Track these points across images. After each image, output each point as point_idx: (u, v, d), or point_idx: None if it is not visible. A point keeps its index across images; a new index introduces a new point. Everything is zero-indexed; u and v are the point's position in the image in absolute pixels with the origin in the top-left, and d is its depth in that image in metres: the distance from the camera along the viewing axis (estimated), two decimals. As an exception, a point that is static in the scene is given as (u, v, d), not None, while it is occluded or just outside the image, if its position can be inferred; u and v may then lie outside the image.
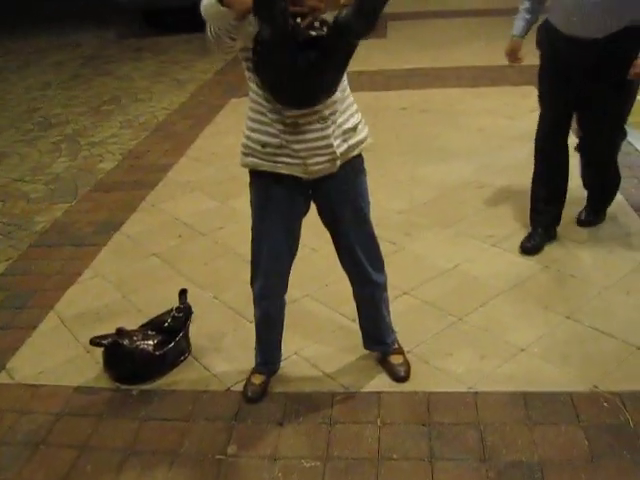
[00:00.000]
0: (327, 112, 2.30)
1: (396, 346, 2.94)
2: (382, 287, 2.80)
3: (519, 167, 4.94)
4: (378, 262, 2.73)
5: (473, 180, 4.79)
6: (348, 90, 2.41)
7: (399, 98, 6.70)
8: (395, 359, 2.91)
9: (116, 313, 3.54)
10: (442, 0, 13.19)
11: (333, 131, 2.34)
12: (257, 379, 2.86)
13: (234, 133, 6.30)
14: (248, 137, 2.41)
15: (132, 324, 3.28)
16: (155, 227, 4.49)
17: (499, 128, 5.85)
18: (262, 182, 2.47)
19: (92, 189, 5.27)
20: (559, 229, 3.93)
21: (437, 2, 13.01)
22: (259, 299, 2.72)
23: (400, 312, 3.20)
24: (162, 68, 9.56)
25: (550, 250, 3.81)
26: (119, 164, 5.79)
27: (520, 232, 3.99)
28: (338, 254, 2.69)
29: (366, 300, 2.81)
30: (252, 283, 2.70)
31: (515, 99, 6.64)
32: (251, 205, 2.53)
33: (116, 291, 3.75)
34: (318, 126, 2.30)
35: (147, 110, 7.48)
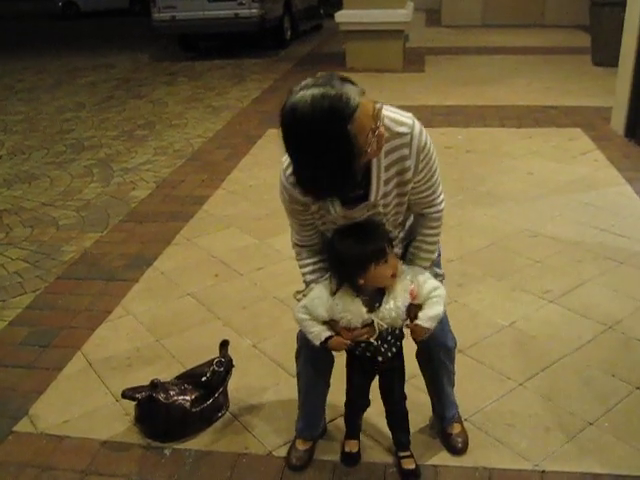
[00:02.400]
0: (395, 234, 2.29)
1: (457, 414, 2.69)
2: (451, 355, 2.57)
3: (572, 215, 4.72)
4: (450, 332, 2.55)
5: (525, 228, 4.54)
6: None
7: (442, 136, 6.48)
8: (452, 429, 2.65)
9: (148, 359, 3.32)
10: (480, 37, 13.03)
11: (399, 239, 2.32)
12: (302, 445, 2.62)
13: (272, 166, 6.18)
14: None
15: (165, 372, 3.08)
16: (190, 264, 4.28)
17: (548, 172, 5.61)
18: None
19: (124, 219, 5.09)
20: (625, 282, 3.69)
21: (476, 38, 12.87)
22: (305, 362, 2.51)
23: (456, 373, 2.95)
24: (196, 94, 9.45)
25: (611, 308, 3.55)
26: (153, 193, 5.61)
27: (578, 288, 3.75)
28: None
29: (433, 367, 2.57)
30: (298, 340, 2.50)
31: (562, 141, 6.42)
32: None
33: (148, 333, 3.53)
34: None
35: (182, 137, 7.33)
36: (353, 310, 2.14)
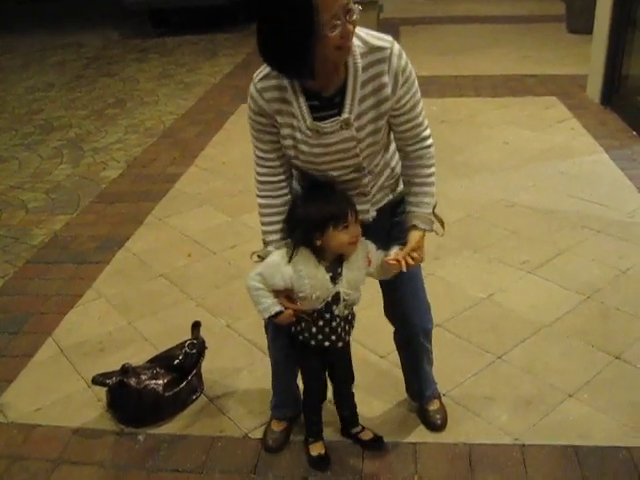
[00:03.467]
0: (369, 187, 2.15)
1: (435, 392, 2.64)
2: (429, 336, 2.51)
3: (548, 184, 4.68)
4: (429, 313, 2.47)
5: (501, 198, 4.50)
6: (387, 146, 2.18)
7: (417, 107, 6.37)
8: (430, 405, 2.61)
9: (121, 342, 3.24)
10: (457, 6, 12.88)
11: (374, 193, 2.18)
12: (278, 426, 2.57)
13: (245, 141, 5.97)
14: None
15: (138, 355, 3.01)
16: (162, 244, 4.19)
17: (523, 141, 5.56)
18: None
19: (95, 200, 4.97)
20: (603, 251, 3.65)
21: (451, 7, 12.71)
22: (274, 338, 2.45)
23: (433, 348, 2.90)
24: (168, 70, 9.27)
25: (589, 278, 3.52)
26: (124, 172, 5.49)
27: (555, 258, 3.71)
28: (384, 295, 2.44)
29: (411, 348, 2.51)
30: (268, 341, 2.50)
31: (538, 110, 6.37)
32: None
33: (120, 316, 3.45)
34: (361, 198, 2.16)
35: (153, 114, 7.18)
36: (318, 276, 2.06)
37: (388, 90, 1.93)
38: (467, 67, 8.13)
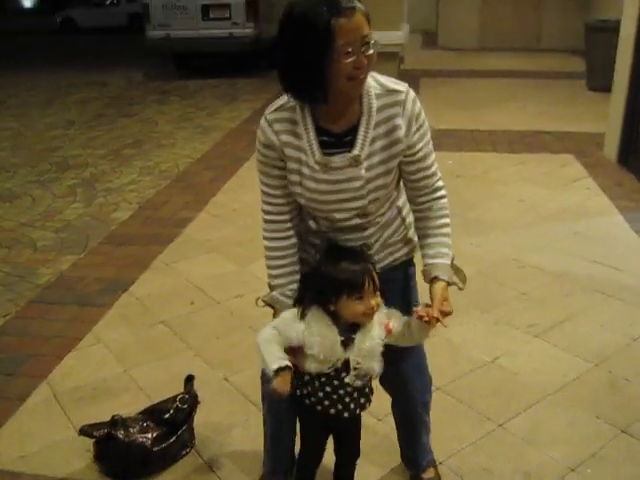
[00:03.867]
0: (373, 240, 2.08)
1: (431, 461, 2.55)
2: (427, 408, 2.44)
3: (562, 245, 4.61)
4: (430, 385, 2.41)
5: (513, 257, 4.43)
6: (396, 199, 2.14)
7: (432, 160, 6.36)
8: (426, 474, 2.51)
9: (115, 390, 3.18)
10: (476, 59, 12.99)
11: (376, 250, 2.11)
12: (269, 489, 2.48)
13: (257, 188, 6.00)
14: None
15: (132, 405, 2.95)
16: (167, 290, 4.15)
17: (539, 199, 5.51)
18: None
19: (103, 241, 4.96)
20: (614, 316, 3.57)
21: (471, 61, 12.82)
22: (270, 409, 2.39)
23: (432, 411, 2.81)
24: (187, 113, 9.37)
25: (598, 345, 3.42)
26: (135, 214, 5.50)
27: (564, 323, 3.63)
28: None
29: (408, 420, 2.44)
30: (262, 375, 2.35)
31: (554, 168, 6.33)
32: None
33: (117, 363, 3.40)
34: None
35: (169, 157, 7.23)
36: (329, 337, 1.95)
37: (401, 133, 1.91)
38: (484, 121, 8.14)
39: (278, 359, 1.94)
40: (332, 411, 2.05)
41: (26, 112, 9.76)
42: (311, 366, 2.01)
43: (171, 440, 2.64)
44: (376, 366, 2.01)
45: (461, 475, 2.59)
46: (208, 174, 6.48)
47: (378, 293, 1.95)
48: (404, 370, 2.25)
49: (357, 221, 2.00)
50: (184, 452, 2.72)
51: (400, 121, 1.91)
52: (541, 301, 3.88)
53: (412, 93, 1.95)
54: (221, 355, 3.43)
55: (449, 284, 2.04)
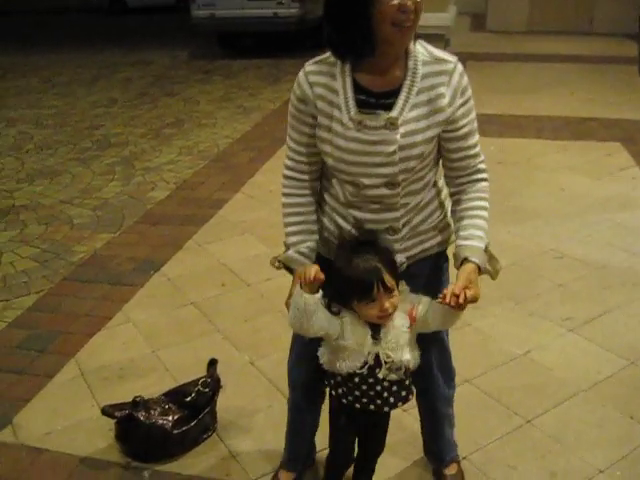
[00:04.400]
0: (400, 223, 1.96)
1: (455, 456, 2.49)
2: (450, 402, 2.39)
3: (603, 236, 4.47)
4: (452, 380, 2.34)
5: (551, 248, 4.31)
6: (434, 182, 2.03)
7: (474, 146, 6.23)
8: (448, 469, 2.46)
9: (141, 371, 3.19)
10: (525, 43, 12.69)
11: (404, 235, 1.98)
12: (285, 476, 2.45)
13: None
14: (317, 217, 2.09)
15: (157, 386, 2.96)
16: (198, 271, 4.15)
17: (581, 188, 5.35)
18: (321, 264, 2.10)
19: (139, 220, 4.98)
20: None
21: (518, 45, 12.52)
22: (293, 383, 2.35)
23: (459, 404, 2.71)
24: (229, 93, 9.34)
25: (635, 341, 3.31)
26: (171, 194, 5.51)
27: (601, 317, 3.52)
28: None
29: (431, 413, 2.38)
30: (289, 361, 2.34)
31: (599, 156, 6.14)
32: None
33: (145, 343, 3.41)
34: (387, 236, 1.96)
35: (209, 137, 7.22)
36: (359, 328, 1.90)
37: (444, 101, 1.83)
38: (530, 107, 7.94)
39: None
40: (372, 407, 1.99)
41: (71, 90, 9.86)
42: (342, 365, 1.95)
43: (192, 424, 2.63)
44: (408, 356, 1.94)
45: (485, 472, 2.53)
46: (247, 155, 6.46)
47: (395, 292, 1.87)
48: (426, 363, 2.17)
49: (384, 191, 1.89)
50: (205, 436, 2.72)
51: (444, 90, 1.82)
52: (578, 294, 3.77)
53: (461, 66, 1.86)
54: (248, 338, 3.41)
55: (480, 270, 1.90)
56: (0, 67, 11.69)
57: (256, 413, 2.88)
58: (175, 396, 2.71)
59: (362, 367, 1.93)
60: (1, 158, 6.66)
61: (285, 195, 2.06)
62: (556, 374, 3.09)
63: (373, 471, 2.31)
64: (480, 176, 1.97)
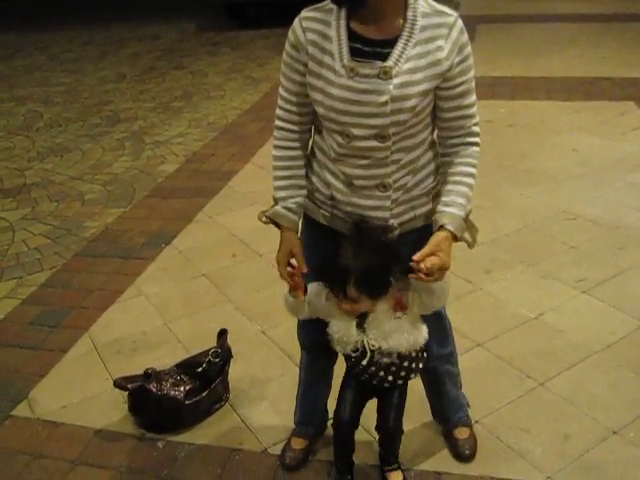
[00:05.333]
0: (391, 180, 1.91)
1: (465, 416, 2.49)
2: (446, 359, 2.36)
3: (616, 197, 4.42)
4: (446, 339, 2.32)
5: (563, 209, 4.27)
6: (430, 145, 1.97)
7: (484, 109, 6.02)
8: (460, 433, 2.46)
9: (154, 343, 3.21)
10: (537, 3, 12.45)
11: (397, 198, 1.93)
12: (298, 443, 2.47)
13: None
14: (306, 174, 2.05)
15: (169, 357, 2.98)
16: (209, 242, 4.15)
17: (594, 149, 5.28)
18: (311, 231, 2.09)
19: (149, 194, 4.98)
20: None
21: (530, 5, 12.29)
22: (302, 342, 2.39)
23: (471, 368, 2.76)
24: (238, 64, 9.27)
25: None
26: (181, 167, 5.50)
27: (615, 278, 3.49)
28: None
29: (429, 373, 2.36)
30: (298, 326, 2.36)
31: (612, 116, 6.05)
32: None
33: (157, 316, 3.42)
34: (377, 193, 1.92)
35: (218, 109, 7.18)
36: (344, 318, 1.95)
37: (442, 54, 1.77)
38: (541, 68, 7.81)
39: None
40: (374, 382, 2.04)
41: (79, 67, 9.81)
42: (337, 348, 2.01)
43: (203, 394, 2.64)
44: (396, 342, 1.94)
45: (497, 435, 2.52)
46: (256, 125, 6.42)
47: (362, 302, 1.88)
48: None
49: (374, 143, 1.83)
50: (218, 406, 2.73)
51: (443, 43, 1.77)
52: (591, 255, 3.73)
53: (461, 22, 1.80)
54: (260, 308, 3.42)
55: (456, 238, 1.86)
56: (8, 46, 11.64)
57: (268, 382, 2.90)
58: (187, 367, 2.72)
59: (355, 352, 1.97)
60: (11, 137, 6.66)
61: (275, 147, 2.03)
62: (569, 336, 3.07)
63: (391, 449, 2.30)
64: (472, 140, 1.92)
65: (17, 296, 3.72)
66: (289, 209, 1.99)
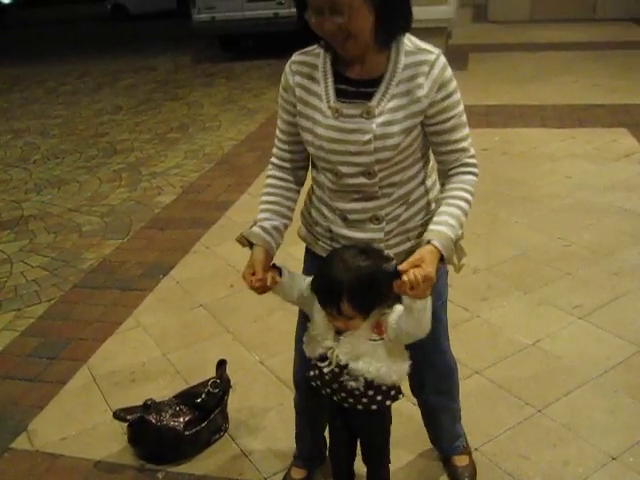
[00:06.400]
0: (383, 212, 1.93)
1: (462, 446, 2.49)
2: (444, 394, 2.36)
3: (610, 223, 4.45)
4: (447, 375, 2.33)
5: (559, 236, 4.30)
6: (423, 179, 2.00)
7: (479, 137, 6.17)
8: (459, 460, 2.46)
9: (153, 374, 3.21)
10: (528, 32, 12.64)
11: (391, 230, 1.95)
12: (297, 474, 2.47)
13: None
14: (305, 204, 2.10)
15: (168, 388, 2.99)
16: (206, 273, 4.17)
17: (588, 176, 5.33)
18: (311, 263, 2.11)
19: (146, 225, 5.01)
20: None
21: (521, 34, 12.47)
22: (296, 382, 2.38)
23: (469, 395, 2.76)
24: (233, 95, 9.38)
25: (647, 326, 3.31)
26: (178, 198, 5.54)
27: (611, 304, 3.51)
28: None
29: (424, 404, 2.38)
30: (294, 364, 2.37)
31: (605, 143, 6.11)
32: None
33: (156, 347, 3.43)
34: (371, 226, 1.94)
35: (214, 140, 7.25)
36: (323, 317, 1.89)
37: (422, 92, 1.79)
38: (534, 96, 7.90)
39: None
40: (345, 405, 1.96)
41: (76, 100, 9.91)
42: (306, 348, 1.99)
43: (203, 424, 2.65)
44: (365, 368, 1.87)
45: (497, 462, 2.53)
46: (251, 156, 6.47)
47: (355, 320, 1.83)
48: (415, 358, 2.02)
49: (362, 180, 1.87)
50: (217, 436, 2.73)
51: (423, 80, 1.80)
52: (587, 281, 3.76)
53: (443, 59, 1.83)
54: (258, 338, 3.43)
55: (442, 258, 1.81)
56: (5, 80, 11.76)
57: (267, 412, 2.90)
58: (186, 398, 2.73)
59: (321, 360, 1.92)
60: (9, 169, 6.72)
61: (266, 178, 2.09)
62: (566, 362, 3.08)
63: (380, 476, 2.24)
64: (467, 169, 1.93)
65: (16, 328, 3.73)
66: (263, 228, 2.00)
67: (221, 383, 2.72)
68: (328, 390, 1.96)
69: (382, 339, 1.87)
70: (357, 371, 1.87)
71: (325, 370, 1.91)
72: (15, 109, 9.60)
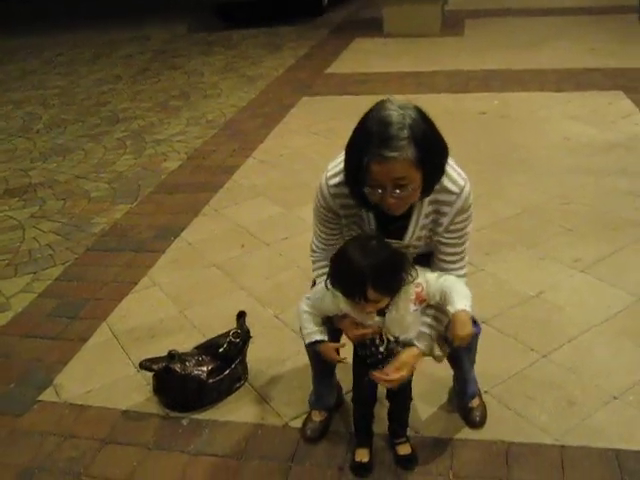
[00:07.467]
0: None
1: (476, 389, 2.63)
2: (470, 351, 2.49)
3: (608, 182, 4.57)
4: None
5: (558, 195, 4.41)
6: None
7: (478, 101, 6.31)
8: (471, 402, 2.59)
9: (171, 329, 3.33)
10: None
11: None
12: (317, 416, 2.60)
13: (304, 134, 6.17)
14: None
15: (187, 342, 3.09)
16: (217, 234, 4.27)
17: (585, 137, 5.43)
18: None
19: (154, 190, 5.10)
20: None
21: (517, 0, 12.46)
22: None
23: (478, 343, 2.88)
24: (232, 63, 9.40)
25: (644, 276, 3.44)
26: (184, 164, 5.61)
27: (610, 257, 3.64)
28: None
29: (453, 359, 2.50)
30: None
31: (602, 105, 6.21)
32: None
33: (172, 304, 3.54)
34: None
35: (215, 107, 7.30)
36: (356, 313, 2.10)
37: (445, 220, 2.08)
38: (532, 61, 7.98)
39: (312, 333, 2.18)
40: (380, 366, 2.16)
41: (73, 70, 9.90)
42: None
43: (225, 373, 2.77)
44: (413, 334, 2.15)
45: (505, 403, 2.66)
46: (254, 122, 6.54)
47: (382, 301, 2.02)
48: None
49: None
50: (238, 385, 2.86)
51: (448, 210, 2.06)
52: (587, 236, 3.88)
53: (467, 190, 2.06)
54: (271, 294, 3.55)
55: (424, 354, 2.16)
56: (1, 51, 11.72)
57: (285, 361, 3.02)
58: (208, 348, 2.85)
59: (372, 344, 2.16)
60: (12, 139, 6.76)
61: (315, 260, 2.33)
62: (569, 312, 3.21)
63: (402, 421, 2.45)
64: (457, 274, 2.19)
65: (33, 290, 3.82)
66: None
67: (242, 333, 2.84)
68: (380, 366, 2.16)
69: (422, 306, 2.11)
70: (409, 341, 2.13)
71: (381, 349, 2.14)
72: (12, 80, 9.59)
